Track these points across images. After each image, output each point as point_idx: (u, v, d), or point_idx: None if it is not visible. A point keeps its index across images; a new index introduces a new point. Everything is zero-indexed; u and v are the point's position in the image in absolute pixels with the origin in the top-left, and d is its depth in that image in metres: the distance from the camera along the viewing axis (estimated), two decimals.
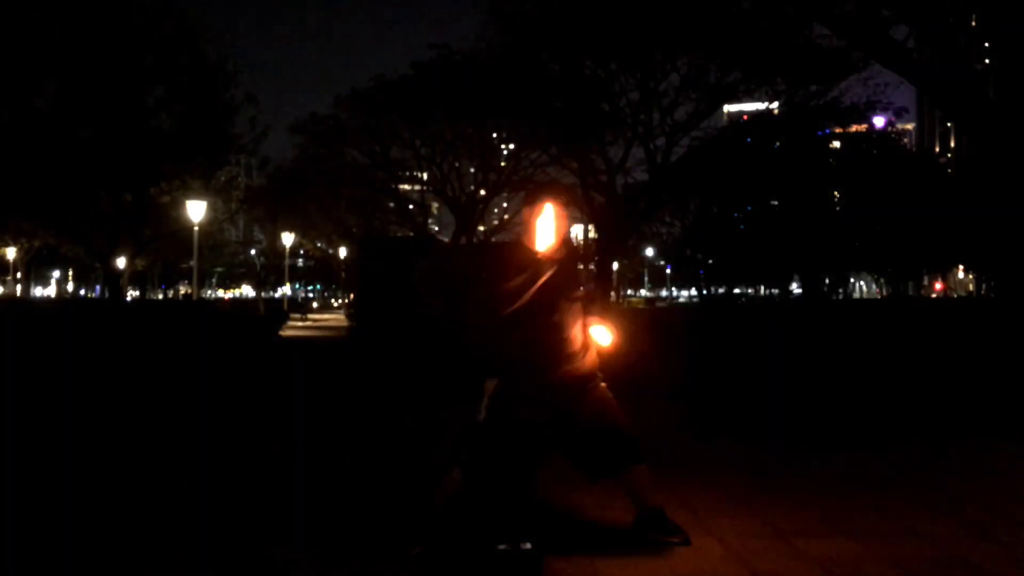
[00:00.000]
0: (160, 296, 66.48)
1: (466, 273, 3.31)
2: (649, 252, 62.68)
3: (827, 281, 43.11)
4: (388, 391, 8.41)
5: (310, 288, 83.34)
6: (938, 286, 72.85)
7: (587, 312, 3.37)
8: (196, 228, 21.67)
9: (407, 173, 37.78)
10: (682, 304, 65.62)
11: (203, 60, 23.19)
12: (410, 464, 4.75)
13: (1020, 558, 3.19)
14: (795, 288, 54.15)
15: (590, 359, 3.34)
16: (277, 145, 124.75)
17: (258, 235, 64.89)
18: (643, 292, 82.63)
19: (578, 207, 28.23)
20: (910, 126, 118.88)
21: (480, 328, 3.28)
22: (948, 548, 3.29)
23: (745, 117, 30.25)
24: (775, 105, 24.35)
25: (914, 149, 61.02)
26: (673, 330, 15.18)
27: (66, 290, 73.81)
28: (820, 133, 29.79)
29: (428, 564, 3.06)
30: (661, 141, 23.32)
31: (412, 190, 41.98)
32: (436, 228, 55.73)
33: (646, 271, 76.65)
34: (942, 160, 65.04)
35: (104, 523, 3.61)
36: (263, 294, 62.83)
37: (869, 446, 5.44)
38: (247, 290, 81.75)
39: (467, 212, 34.90)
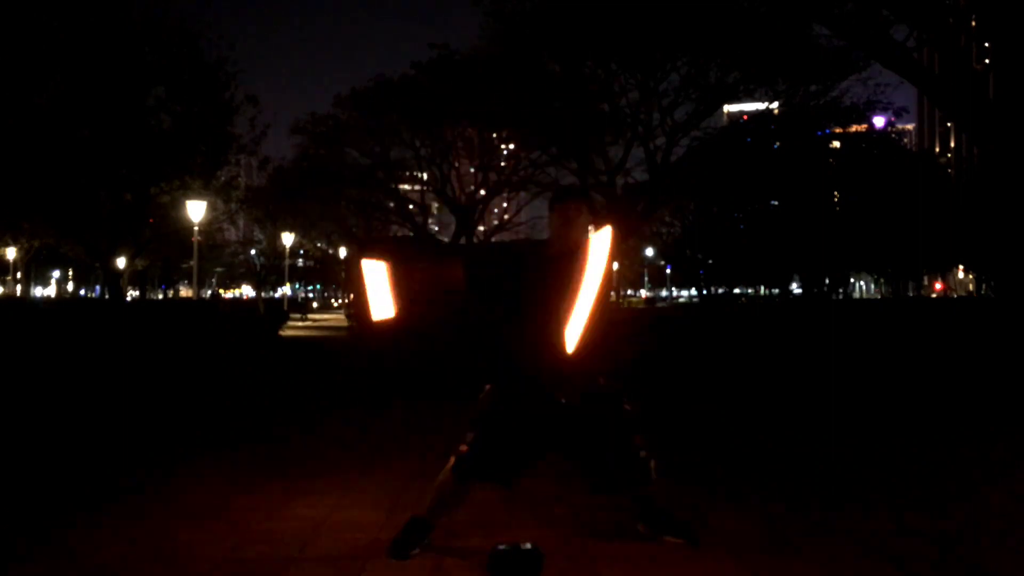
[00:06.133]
0: (160, 296, 66.42)
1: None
2: (649, 252, 62.66)
3: (827, 281, 43.06)
4: (387, 388, 8.42)
5: (310, 288, 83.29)
6: (938, 286, 72.88)
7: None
8: (196, 228, 21.66)
9: (407, 173, 37.78)
10: (683, 304, 65.70)
11: (203, 60, 23.17)
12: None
13: (1020, 558, 3.19)
14: (795, 288, 54.09)
15: (598, 364, 3.16)
16: (277, 145, 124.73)
17: (258, 235, 64.81)
18: (643, 292, 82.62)
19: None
20: (910, 126, 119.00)
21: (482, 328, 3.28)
22: (948, 547, 3.29)
23: (745, 117, 30.25)
24: (775, 105, 24.34)
25: (914, 149, 61.00)
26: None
27: (66, 290, 73.75)
28: (820, 133, 29.78)
29: (427, 564, 3.07)
30: (661, 141, 23.30)
31: (412, 190, 41.96)
32: (436, 228, 55.67)
33: (646, 271, 76.59)
34: (942, 160, 65.05)
35: None
36: (263, 294, 62.77)
37: (869, 445, 5.45)
38: (247, 290, 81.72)
39: (467, 212, 34.90)
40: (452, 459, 3.18)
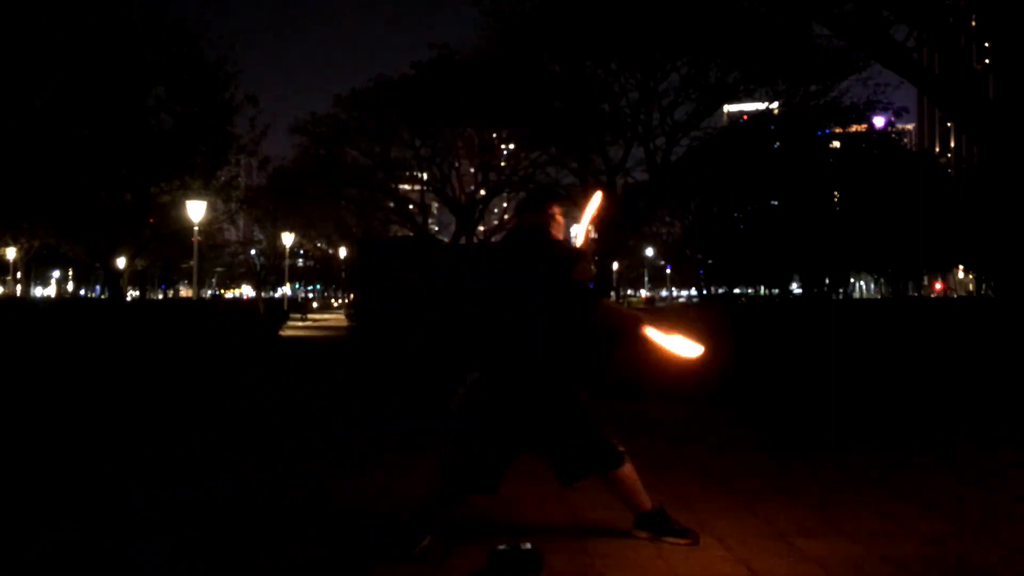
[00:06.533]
0: (160, 296, 66.44)
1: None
2: (649, 252, 62.68)
3: (827, 281, 43.06)
4: (388, 386, 8.43)
5: (310, 288, 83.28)
6: (938, 286, 72.86)
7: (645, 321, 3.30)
8: (196, 228, 21.65)
9: (407, 173, 37.82)
10: (682, 303, 65.73)
11: (203, 60, 23.17)
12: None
13: (1020, 558, 3.19)
14: (795, 288, 54.09)
15: (564, 355, 3.26)
16: (277, 145, 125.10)
17: (258, 235, 64.84)
18: (643, 292, 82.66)
19: (578, 207, 28.15)
20: (910, 126, 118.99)
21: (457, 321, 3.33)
22: (948, 548, 3.29)
23: (745, 117, 30.26)
24: (775, 105, 24.36)
25: (914, 149, 61.01)
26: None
27: (66, 290, 73.76)
28: (820, 133, 29.80)
29: (428, 564, 3.07)
30: (661, 141, 23.31)
31: (412, 190, 42.01)
32: (436, 228, 55.70)
33: (646, 271, 76.62)
34: (942, 160, 65.06)
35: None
36: (263, 294, 62.76)
37: (869, 447, 5.45)
38: (247, 290, 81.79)
39: (467, 212, 34.92)
40: (441, 465, 3.21)
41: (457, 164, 35.62)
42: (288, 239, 39.43)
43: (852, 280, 65.56)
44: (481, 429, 3.18)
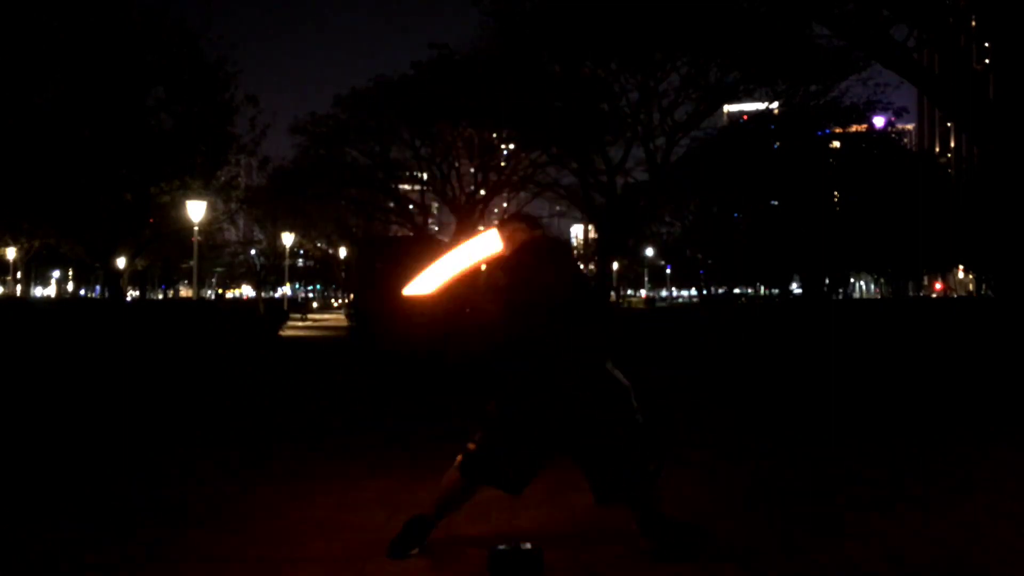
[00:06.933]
0: (160, 296, 66.41)
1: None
2: (649, 252, 62.65)
3: (827, 281, 43.05)
4: (388, 387, 8.43)
5: (310, 288, 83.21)
6: (938, 286, 72.92)
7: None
8: (196, 228, 21.63)
9: (407, 173, 37.79)
10: (682, 303, 65.83)
11: (203, 60, 23.15)
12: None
13: (1019, 557, 3.19)
14: (795, 288, 54.09)
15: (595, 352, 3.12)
16: (277, 145, 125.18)
17: (258, 235, 64.82)
18: (643, 292, 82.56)
19: (578, 207, 28.24)
20: (910, 126, 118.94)
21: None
22: (948, 547, 3.29)
23: (745, 117, 30.29)
24: (775, 105, 24.36)
25: (914, 149, 60.99)
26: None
27: (66, 290, 73.76)
28: (820, 133, 29.81)
29: (428, 564, 3.07)
30: (661, 141, 23.32)
31: (412, 190, 41.99)
32: (436, 228, 55.71)
33: (646, 271, 76.52)
34: (942, 160, 65.08)
35: None
36: (263, 294, 62.73)
37: (869, 446, 5.45)
38: (247, 290, 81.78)
39: (467, 212, 34.91)
40: (460, 457, 3.14)
41: (457, 164, 35.60)
42: (288, 239, 39.41)
43: (852, 280, 65.56)
44: (516, 432, 3.08)
